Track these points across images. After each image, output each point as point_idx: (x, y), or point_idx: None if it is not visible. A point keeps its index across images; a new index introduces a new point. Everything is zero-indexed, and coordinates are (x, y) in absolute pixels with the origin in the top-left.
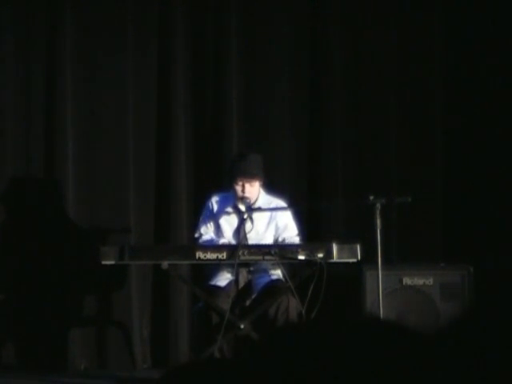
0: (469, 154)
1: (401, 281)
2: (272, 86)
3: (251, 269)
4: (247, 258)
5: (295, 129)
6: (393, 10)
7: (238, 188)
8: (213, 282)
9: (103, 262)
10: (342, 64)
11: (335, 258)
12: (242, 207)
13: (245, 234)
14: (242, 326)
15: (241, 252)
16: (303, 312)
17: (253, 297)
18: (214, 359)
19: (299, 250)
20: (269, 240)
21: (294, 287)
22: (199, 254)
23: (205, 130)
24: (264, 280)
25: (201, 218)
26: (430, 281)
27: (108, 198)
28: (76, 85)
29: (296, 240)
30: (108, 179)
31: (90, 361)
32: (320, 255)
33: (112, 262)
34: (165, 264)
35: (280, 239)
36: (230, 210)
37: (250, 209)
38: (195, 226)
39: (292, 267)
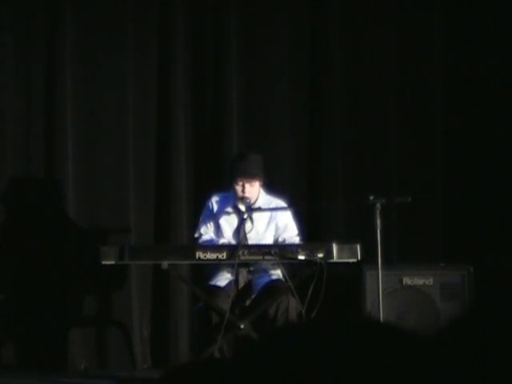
0: (469, 154)
1: (401, 281)
2: (272, 85)
3: (251, 269)
4: (247, 258)
5: (295, 129)
6: (393, 9)
7: (238, 188)
8: (213, 282)
9: (103, 262)
10: (342, 64)
11: (335, 258)
12: (242, 207)
13: (245, 234)
14: (242, 326)
15: (241, 252)
16: (303, 312)
17: (253, 297)
18: (214, 359)
19: (299, 250)
20: (269, 240)
21: (294, 287)
22: (199, 254)
23: (205, 130)
24: (264, 280)
25: (201, 218)
26: (429, 281)
27: (108, 198)
28: (76, 85)
29: (296, 240)
30: (108, 179)
31: (90, 361)
32: (320, 255)
33: (112, 262)
34: (165, 264)
35: (280, 239)
36: (229, 210)
37: (250, 209)
38: (195, 226)
39: (292, 267)
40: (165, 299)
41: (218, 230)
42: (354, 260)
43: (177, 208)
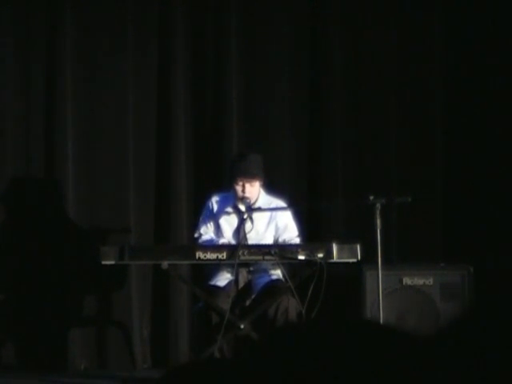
0: (469, 154)
1: (401, 281)
2: (272, 86)
3: (251, 269)
4: (247, 258)
5: (295, 129)
6: (393, 9)
7: (238, 188)
8: (213, 282)
9: (103, 262)
10: (342, 64)
11: (335, 258)
12: (242, 207)
13: (245, 234)
14: (242, 326)
15: (241, 252)
16: (303, 312)
17: (253, 297)
18: (214, 359)
19: (299, 250)
20: (269, 240)
21: (293, 287)
22: (199, 254)
23: (205, 130)
24: (264, 280)
25: (201, 218)
26: (429, 281)
27: (108, 197)
28: (76, 85)
29: (296, 241)
30: (108, 179)
31: (90, 361)
32: (320, 255)
33: (112, 262)
34: (165, 264)
35: (280, 240)
36: (229, 210)
37: (250, 209)
38: (195, 226)
39: (292, 267)
40: (165, 299)
41: (218, 230)
42: (354, 260)
43: (177, 208)
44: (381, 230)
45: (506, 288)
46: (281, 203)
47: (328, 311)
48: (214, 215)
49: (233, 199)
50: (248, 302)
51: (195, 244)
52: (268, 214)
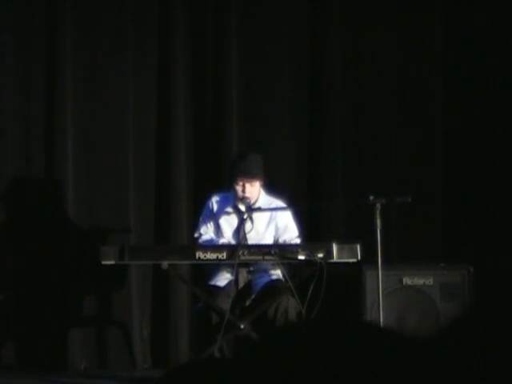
0: (469, 154)
1: (401, 281)
2: (272, 86)
3: (251, 269)
4: (247, 258)
5: (295, 129)
6: (393, 9)
7: (239, 188)
8: (213, 282)
9: (103, 262)
10: (342, 64)
11: (335, 258)
12: (242, 207)
13: (244, 234)
14: (242, 326)
15: (241, 252)
16: (303, 312)
17: (253, 297)
18: (214, 359)
19: (299, 250)
20: (269, 240)
21: (293, 287)
22: (199, 254)
23: (205, 130)
24: (264, 280)
25: (201, 218)
26: (429, 281)
27: (108, 198)
28: (76, 85)
29: (297, 241)
30: (108, 179)
31: (90, 361)
32: (320, 255)
33: (112, 262)
34: (165, 264)
35: (281, 240)
36: (229, 210)
37: (250, 209)
38: (195, 226)
39: (292, 267)
40: (165, 299)
41: (218, 230)
42: (354, 260)
43: (177, 208)
44: (381, 230)
45: (506, 288)
46: (281, 203)
47: (328, 311)
48: (214, 215)
49: (233, 199)
50: (248, 302)
51: (195, 244)
52: (268, 214)
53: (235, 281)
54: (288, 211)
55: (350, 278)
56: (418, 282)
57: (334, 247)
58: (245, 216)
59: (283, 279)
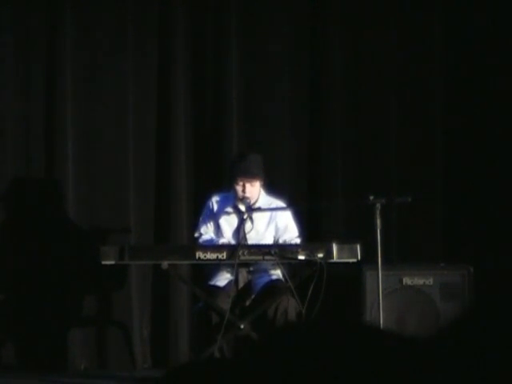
0: (469, 154)
1: (401, 281)
2: (272, 86)
3: (251, 269)
4: (247, 258)
5: (295, 129)
6: (393, 9)
7: (239, 188)
8: (212, 282)
9: (103, 262)
10: (342, 64)
11: (335, 258)
12: (242, 207)
13: (244, 234)
14: (242, 326)
15: (241, 252)
16: (303, 312)
17: (252, 297)
18: (214, 359)
19: (299, 250)
20: (269, 240)
21: (293, 287)
22: (199, 254)
23: (205, 130)
24: (264, 280)
25: (201, 218)
26: (429, 281)
27: (108, 198)
28: (76, 85)
29: (297, 241)
30: (108, 179)
31: (90, 361)
32: (320, 255)
33: (112, 262)
34: (165, 264)
35: (281, 241)
36: (230, 210)
37: (250, 209)
38: (195, 226)
39: (292, 267)
40: (165, 299)
41: (218, 229)
42: (354, 260)
43: (177, 208)
44: (381, 230)
45: (506, 288)
46: (281, 204)
47: (328, 311)
48: (214, 215)
49: (233, 199)
50: (248, 302)
51: (195, 244)
52: (268, 214)
53: (235, 281)
54: (288, 211)
55: (350, 278)
56: (418, 282)
57: (334, 247)
58: (245, 216)
59: (283, 279)
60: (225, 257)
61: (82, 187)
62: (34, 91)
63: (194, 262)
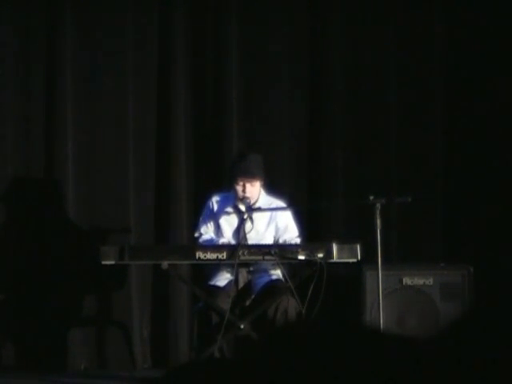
0: (469, 154)
1: (401, 281)
2: (272, 86)
3: (251, 269)
4: (247, 258)
5: (295, 129)
6: (393, 10)
7: (239, 188)
8: (212, 282)
9: (103, 262)
10: (342, 64)
11: (335, 258)
12: (242, 207)
13: (245, 234)
14: (242, 326)
15: (241, 252)
16: (303, 312)
17: (252, 297)
18: (214, 359)
19: (299, 250)
20: (269, 240)
21: (293, 287)
22: (199, 254)
23: (205, 130)
24: (264, 280)
25: (201, 218)
26: (429, 281)
27: (108, 198)
28: (76, 85)
29: (297, 241)
30: (108, 179)
31: (90, 361)
32: (320, 255)
33: (112, 262)
34: (165, 264)
35: (281, 241)
36: (230, 210)
37: (250, 209)
38: (195, 226)
39: (292, 267)
40: (165, 299)
41: (218, 229)
42: (354, 260)
43: (177, 208)
44: (381, 230)
45: (506, 288)
46: (281, 204)
47: (328, 311)
48: (214, 215)
49: (233, 199)
50: (248, 302)
51: (195, 244)
52: (268, 214)
53: (235, 281)
54: (288, 211)
55: (350, 278)
56: (418, 282)
57: (334, 247)
58: (245, 216)
59: (283, 279)
60: (225, 257)
61: (82, 187)
62: (34, 91)
63: (194, 262)
